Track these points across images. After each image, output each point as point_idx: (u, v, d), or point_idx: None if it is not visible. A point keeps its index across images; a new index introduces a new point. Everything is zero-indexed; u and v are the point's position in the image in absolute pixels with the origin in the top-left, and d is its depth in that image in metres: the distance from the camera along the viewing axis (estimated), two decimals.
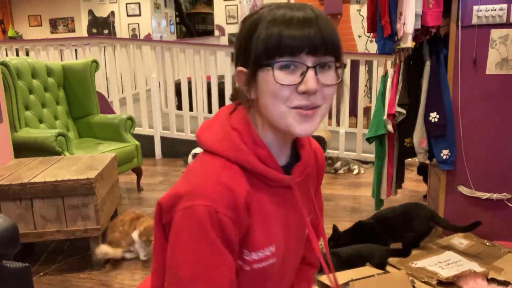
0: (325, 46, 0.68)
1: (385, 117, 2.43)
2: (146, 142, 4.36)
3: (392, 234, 2.18)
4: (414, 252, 2.10)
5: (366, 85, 5.58)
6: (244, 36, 0.73)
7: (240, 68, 0.74)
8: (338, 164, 3.91)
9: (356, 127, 4.28)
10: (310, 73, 0.68)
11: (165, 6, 8.53)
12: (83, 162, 2.44)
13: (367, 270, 1.84)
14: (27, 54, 5.02)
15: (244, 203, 0.70)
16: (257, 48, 0.69)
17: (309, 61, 0.68)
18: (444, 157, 2.33)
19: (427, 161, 2.73)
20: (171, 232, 0.70)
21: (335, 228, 2.21)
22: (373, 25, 2.44)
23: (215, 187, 0.69)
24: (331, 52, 0.70)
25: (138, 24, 7.96)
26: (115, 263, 2.24)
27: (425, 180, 3.03)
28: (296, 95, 0.69)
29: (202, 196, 0.68)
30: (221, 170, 0.71)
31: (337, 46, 0.71)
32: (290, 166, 0.79)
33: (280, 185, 0.76)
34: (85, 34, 8.02)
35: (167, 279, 0.71)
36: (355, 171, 3.88)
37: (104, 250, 2.17)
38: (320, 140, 3.89)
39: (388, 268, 1.95)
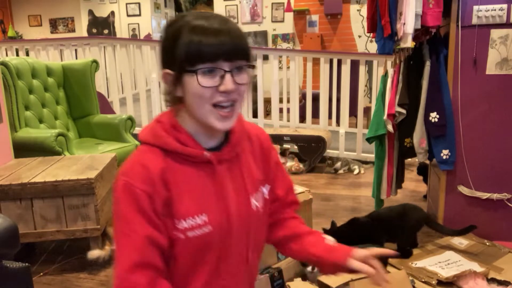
0: (238, 53, 0.83)
1: (385, 117, 2.43)
2: None
3: (387, 233, 2.17)
4: (414, 252, 2.10)
5: (366, 85, 5.58)
6: (169, 41, 0.85)
7: (167, 71, 0.86)
8: (338, 164, 3.92)
9: (356, 127, 4.28)
10: (228, 76, 0.82)
11: (165, 6, 8.53)
12: (83, 162, 2.44)
13: None
14: (27, 54, 5.02)
15: (159, 178, 0.84)
16: (180, 54, 0.82)
17: (226, 66, 0.82)
18: (444, 157, 2.33)
19: (427, 161, 2.73)
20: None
21: (333, 223, 2.20)
22: (373, 25, 2.44)
23: (133, 166, 0.86)
24: (242, 57, 0.84)
25: (138, 24, 7.96)
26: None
27: (425, 180, 3.03)
28: (217, 94, 0.83)
29: (124, 174, 0.86)
30: (143, 153, 0.88)
31: (247, 51, 0.85)
32: (221, 147, 0.93)
33: (202, 161, 0.89)
34: (85, 34, 8.01)
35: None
36: (356, 171, 3.88)
37: (95, 254, 2.15)
38: (320, 140, 3.89)
39: (388, 268, 1.95)
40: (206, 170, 0.89)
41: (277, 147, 1.80)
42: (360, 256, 0.96)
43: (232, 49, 0.82)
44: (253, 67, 0.89)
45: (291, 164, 3.96)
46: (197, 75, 0.81)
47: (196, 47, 0.80)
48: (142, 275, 0.82)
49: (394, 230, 2.15)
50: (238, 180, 0.94)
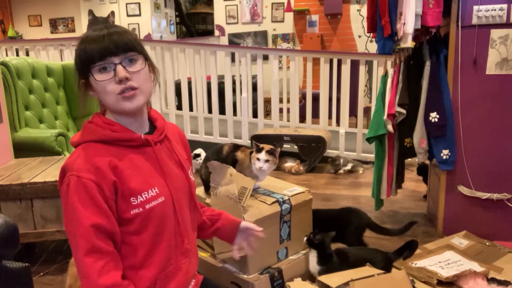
0: (122, 47, 0.97)
1: (385, 117, 2.43)
2: None
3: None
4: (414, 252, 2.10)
5: (366, 85, 5.58)
6: (74, 58, 1.02)
7: (81, 81, 1.01)
8: (339, 162, 3.90)
9: (356, 127, 4.28)
10: (119, 67, 0.97)
11: (165, 6, 8.52)
12: None
13: (367, 270, 1.84)
14: (27, 54, 5.02)
15: (106, 166, 0.97)
16: (79, 63, 0.99)
17: (116, 60, 0.97)
18: (444, 157, 2.33)
19: (427, 161, 2.73)
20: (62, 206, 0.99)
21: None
22: (373, 25, 2.44)
23: (76, 160, 0.97)
24: (128, 50, 0.98)
25: (138, 24, 7.95)
26: None
27: (425, 180, 3.03)
28: (116, 85, 0.97)
29: (69, 170, 0.96)
30: (81, 150, 0.99)
31: (131, 44, 0.99)
32: (151, 133, 1.10)
33: (142, 144, 1.05)
34: None
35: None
36: (360, 172, 3.88)
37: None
38: (320, 140, 3.89)
39: None
40: (146, 152, 1.05)
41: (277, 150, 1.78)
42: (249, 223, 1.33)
43: (114, 45, 0.96)
44: (144, 55, 1.02)
45: (290, 165, 3.95)
46: (93, 74, 0.97)
47: (84, 52, 0.98)
48: (94, 258, 0.93)
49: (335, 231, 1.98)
50: (174, 157, 1.12)
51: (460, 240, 2.19)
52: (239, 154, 1.85)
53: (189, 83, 4.76)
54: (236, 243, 1.32)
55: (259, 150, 1.76)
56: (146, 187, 1.02)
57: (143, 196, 1.01)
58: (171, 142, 1.15)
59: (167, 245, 1.06)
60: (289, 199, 1.81)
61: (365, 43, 7.05)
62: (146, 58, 1.03)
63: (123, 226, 1.00)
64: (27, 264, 1.57)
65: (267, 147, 1.78)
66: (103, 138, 1.01)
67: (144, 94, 1.02)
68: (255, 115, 4.69)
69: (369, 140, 2.57)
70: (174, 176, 1.10)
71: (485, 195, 2.31)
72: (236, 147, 1.89)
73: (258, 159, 1.75)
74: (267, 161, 1.75)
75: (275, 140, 4.01)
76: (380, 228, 2.16)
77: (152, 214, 1.01)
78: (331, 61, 4.28)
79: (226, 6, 7.51)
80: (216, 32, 7.69)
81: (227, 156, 1.85)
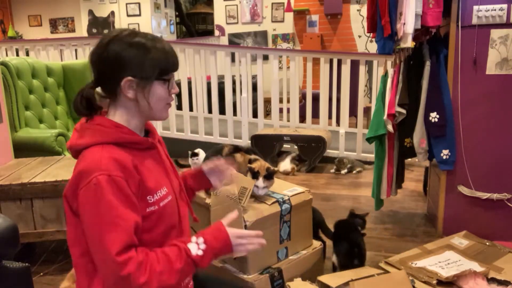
0: (177, 67, 1.09)
1: (385, 117, 2.43)
2: None
3: None
4: (414, 252, 2.10)
5: (366, 85, 5.58)
6: (135, 53, 1.03)
7: (129, 78, 1.02)
8: (344, 161, 3.90)
9: (356, 127, 4.28)
10: (174, 83, 1.09)
11: (165, 6, 8.52)
12: None
13: (367, 270, 1.84)
14: (27, 54, 5.01)
15: (131, 165, 0.99)
16: (154, 66, 1.03)
17: (171, 75, 1.08)
18: (444, 157, 2.33)
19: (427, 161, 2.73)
20: (80, 208, 0.97)
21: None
22: (373, 25, 2.44)
23: (102, 160, 0.96)
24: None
25: (138, 24, 7.95)
26: None
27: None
28: (169, 96, 1.09)
29: (95, 170, 0.95)
30: (101, 150, 0.99)
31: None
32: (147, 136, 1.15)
33: (146, 147, 1.09)
34: (85, 34, 8.00)
35: (92, 250, 0.97)
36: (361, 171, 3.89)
37: None
38: (320, 140, 3.89)
39: (388, 268, 1.95)
40: (152, 154, 1.11)
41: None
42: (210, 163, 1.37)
43: (176, 63, 1.08)
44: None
45: (286, 169, 3.90)
46: (159, 81, 1.05)
47: (165, 61, 1.05)
48: (132, 252, 0.94)
49: None
50: (168, 158, 1.20)
51: (460, 240, 2.19)
52: (239, 157, 1.86)
53: (189, 83, 4.76)
54: (213, 185, 1.39)
55: (255, 176, 1.75)
56: (158, 187, 1.06)
57: (158, 194, 1.05)
58: (162, 144, 1.22)
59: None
60: (289, 199, 1.81)
61: (365, 43, 7.05)
62: None
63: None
64: (27, 264, 1.57)
65: (262, 169, 1.76)
66: (116, 140, 1.02)
67: None
68: (255, 115, 4.69)
69: (369, 140, 2.57)
70: (172, 176, 1.16)
71: (485, 195, 2.31)
72: (236, 149, 1.90)
73: (256, 186, 1.75)
74: (265, 187, 1.76)
75: (275, 140, 4.01)
76: (327, 230, 2.16)
77: (164, 212, 1.06)
78: (331, 61, 4.28)
79: (226, 6, 7.51)
80: (216, 32, 7.69)
81: (227, 157, 1.85)
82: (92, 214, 0.95)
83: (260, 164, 1.78)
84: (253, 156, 1.85)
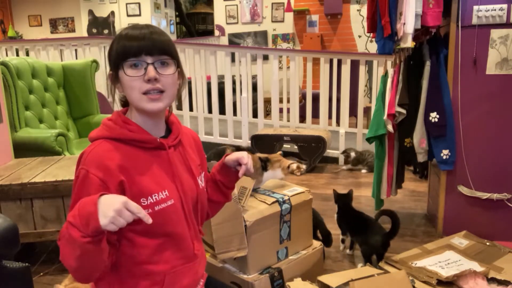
0: (158, 49, 1.00)
1: (385, 117, 2.43)
2: None
3: None
4: (414, 251, 2.10)
5: (366, 85, 5.59)
6: (109, 49, 1.05)
7: (110, 72, 1.04)
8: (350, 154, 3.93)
9: (356, 127, 4.28)
10: (150, 67, 0.99)
11: (165, 6, 8.52)
12: None
13: (367, 270, 1.84)
14: (27, 54, 5.01)
15: (116, 165, 0.98)
16: (113, 55, 1.02)
17: (149, 59, 0.99)
18: (444, 157, 2.33)
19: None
20: None
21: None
22: (373, 25, 2.44)
23: (89, 155, 1.00)
24: (163, 53, 1.01)
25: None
26: None
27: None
28: (144, 84, 0.99)
29: (82, 163, 1.00)
30: (97, 145, 1.02)
31: (167, 48, 1.02)
32: (168, 136, 1.12)
33: (156, 146, 1.06)
34: (85, 34, 8.00)
35: None
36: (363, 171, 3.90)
37: None
38: (320, 140, 3.89)
39: (388, 268, 1.95)
40: (159, 155, 1.07)
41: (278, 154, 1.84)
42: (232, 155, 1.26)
43: (151, 46, 0.99)
44: (177, 61, 1.04)
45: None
46: (124, 68, 0.99)
47: (122, 47, 1.00)
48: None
49: None
50: (185, 163, 1.14)
51: (460, 240, 2.19)
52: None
53: (189, 83, 4.76)
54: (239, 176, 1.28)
55: (265, 168, 1.86)
56: (157, 189, 1.03)
57: (154, 197, 1.02)
58: (185, 148, 1.16)
59: (177, 248, 1.08)
60: (289, 199, 1.81)
61: (365, 43, 7.05)
62: (178, 65, 1.05)
63: (130, 224, 0.98)
64: (27, 264, 1.57)
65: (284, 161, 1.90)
66: (119, 137, 1.03)
67: (169, 99, 1.04)
68: (255, 115, 4.69)
69: (369, 140, 2.57)
70: (184, 182, 1.10)
71: (485, 195, 2.31)
72: (238, 150, 1.91)
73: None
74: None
75: (275, 140, 4.01)
76: (325, 230, 2.20)
77: (161, 216, 1.02)
78: (331, 61, 4.28)
79: (226, 6, 7.52)
80: (216, 32, 7.69)
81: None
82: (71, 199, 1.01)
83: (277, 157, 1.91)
84: (259, 154, 1.87)
